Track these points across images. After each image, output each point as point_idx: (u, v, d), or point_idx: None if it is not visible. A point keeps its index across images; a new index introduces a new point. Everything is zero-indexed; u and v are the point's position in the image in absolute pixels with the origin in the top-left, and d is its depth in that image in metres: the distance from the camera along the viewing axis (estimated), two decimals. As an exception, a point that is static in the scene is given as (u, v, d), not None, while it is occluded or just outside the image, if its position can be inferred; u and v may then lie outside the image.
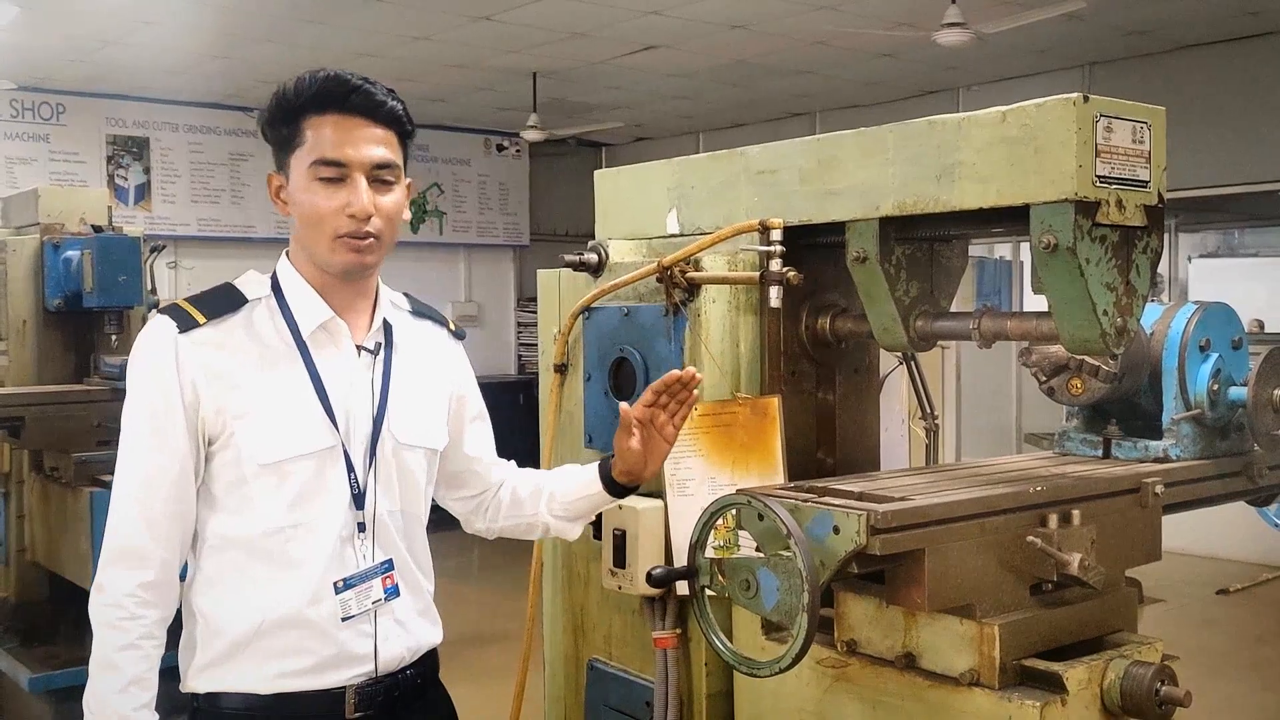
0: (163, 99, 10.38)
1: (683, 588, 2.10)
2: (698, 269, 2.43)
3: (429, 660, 2.17)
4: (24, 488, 5.25)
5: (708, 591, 2.00)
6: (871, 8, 7.60)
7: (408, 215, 2.11)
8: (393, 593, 2.06)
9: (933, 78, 9.69)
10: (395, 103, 2.03)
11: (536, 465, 2.76)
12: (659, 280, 2.44)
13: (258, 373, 1.99)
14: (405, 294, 2.25)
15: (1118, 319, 1.99)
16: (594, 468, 2.27)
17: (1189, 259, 14.76)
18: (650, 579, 2.06)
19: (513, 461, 2.40)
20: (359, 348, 2.08)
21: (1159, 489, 2.22)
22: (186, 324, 1.97)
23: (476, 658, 6.04)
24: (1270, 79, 8.41)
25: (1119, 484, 2.22)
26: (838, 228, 2.31)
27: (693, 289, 2.43)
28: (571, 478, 2.31)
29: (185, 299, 2.03)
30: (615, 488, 2.25)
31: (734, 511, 1.96)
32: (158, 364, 1.96)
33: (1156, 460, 2.39)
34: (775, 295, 2.35)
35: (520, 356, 12.76)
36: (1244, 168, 8.68)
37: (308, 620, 1.99)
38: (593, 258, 2.64)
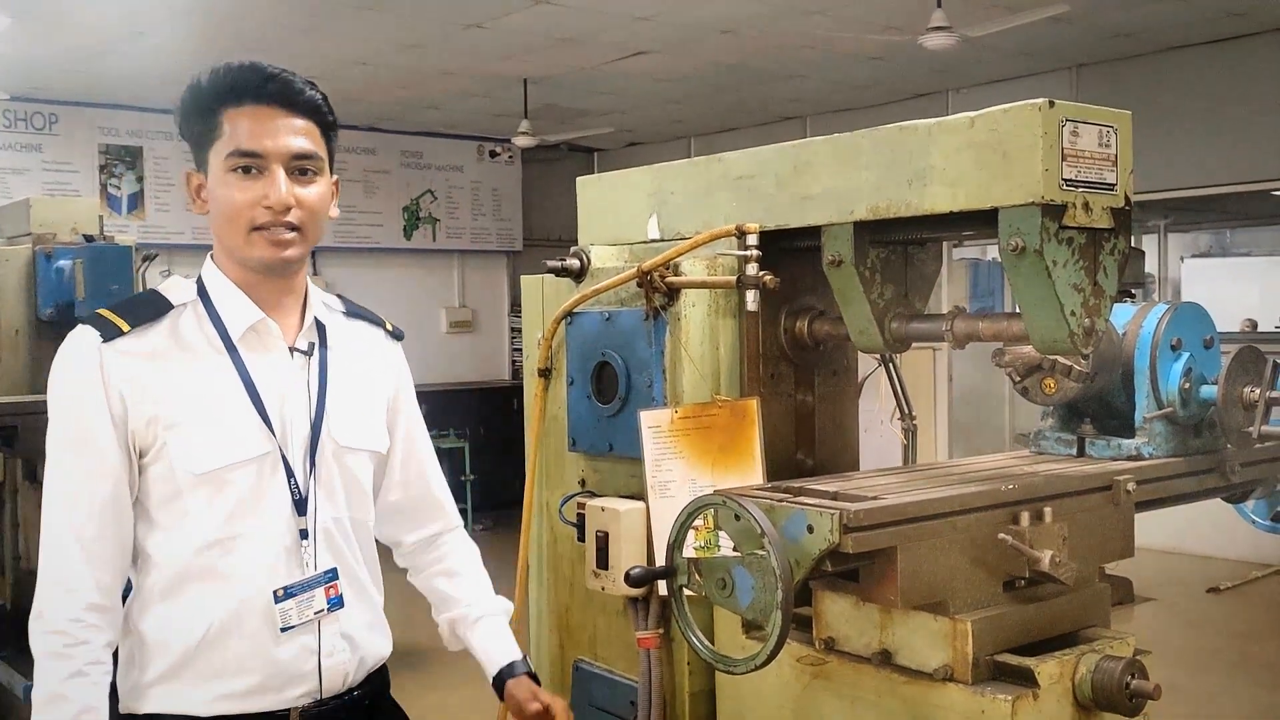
0: (156, 108, 10.40)
1: (663, 588, 2.14)
2: (677, 274, 2.47)
3: (378, 677, 2.09)
4: (18, 496, 5.29)
5: (686, 591, 2.04)
6: (859, 12, 7.64)
7: (335, 212, 2.03)
8: (336, 603, 1.97)
9: (922, 81, 9.73)
10: (315, 93, 1.96)
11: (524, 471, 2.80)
12: (639, 285, 2.48)
13: (187, 380, 1.90)
14: (339, 295, 2.18)
15: (1085, 320, 2.03)
16: (496, 663, 2.17)
17: (1181, 259, 14.81)
18: (629, 579, 2.09)
19: (451, 525, 2.29)
20: (292, 349, 2.00)
21: (1131, 486, 2.26)
22: (110, 333, 1.87)
23: (470, 660, 6.04)
24: (1257, 79, 8.45)
25: (1091, 482, 2.26)
26: (814, 232, 2.34)
27: (672, 293, 2.46)
28: (482, 635, 2.21)
29: (107, 307, 1.94)
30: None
31: (712, 512, 2.00)
32: (82, 377, 1.86)
33: (1129, 458, 2.43)
34: (752, 299, 2.39)
35: (514, 362, 12.78)
36: (1234, 167, 8.72)
37: (247, 636, 1.90)
38: (575, 263, 2.67)
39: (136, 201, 10.49)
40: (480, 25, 7.94)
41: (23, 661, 4.99)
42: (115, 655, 1.91)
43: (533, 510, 2.82)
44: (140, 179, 10.50)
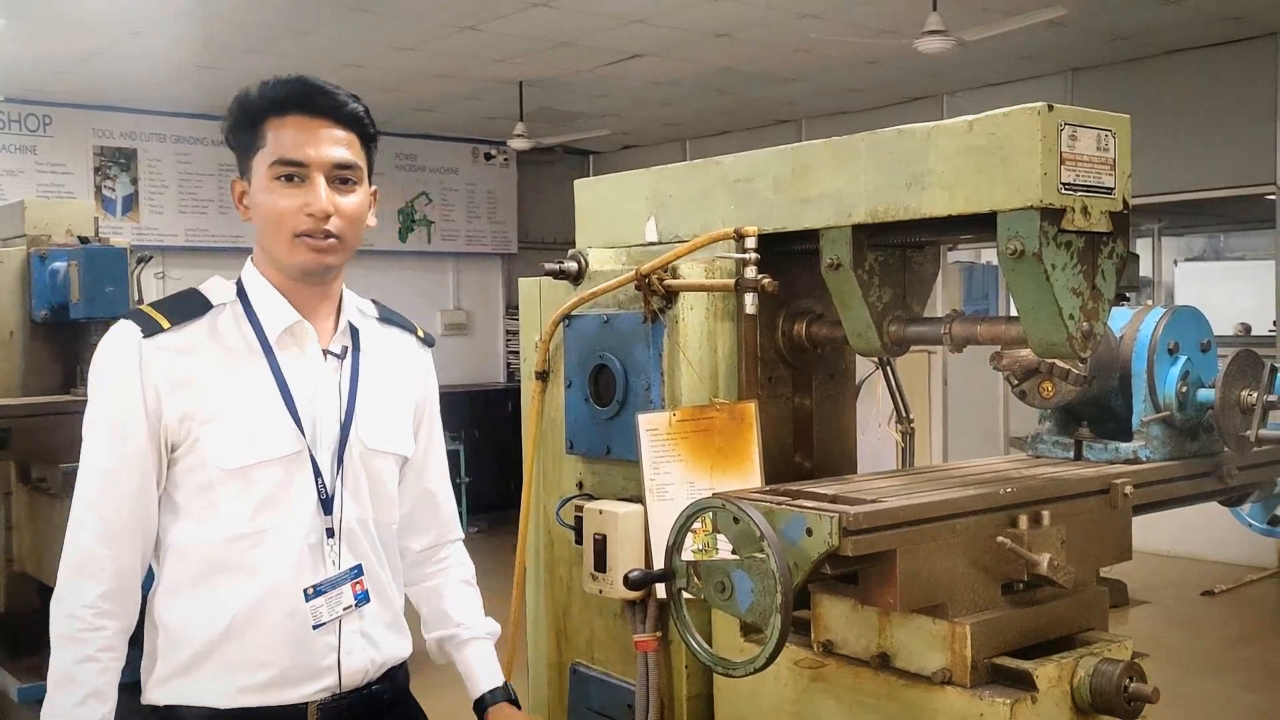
0: (150, 110, 10.40)
1: (661, 591, 2.13)
2: (675, 276, 2.46)
3: (398, 674, 2.14)
4: (12, 499, 5.28)
5: (684, 594, 2.03)
6: (854, 15, 7.65)
7: (373, 221, 2.10)
8: (363, 598, 2.03)
9: (917, 84, 9.75)
10: (357, 105, 2.03)
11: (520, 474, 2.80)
12: (637, 288, 2.47)
13: (223, 377, 1.96)
14: (373, 301, 2.23)
15: (1084, 323, 2.03)
16: (480, 688, 2.26)
17: (1174, 263, 14.86)
18: (627, 582, 2.08)
19: (452, 537, 2.36)
20: (325, 351, 2.05)
21: (1128, 490, 2.26)
22: (150, 329, 1.93)
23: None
24: (1251, 84, 8.47)
25: (1088, 485, 2.26)
26: (812, 235, 2.34)
27: (670, 296, 2.46)
28: (469, 658, 2.28)
29: (149, 304, 2.01)
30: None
31: (711, 515, 1.99)
32: (120, 370, 1.92)
33: (1126, 461, 2.43)
34: (750, 302, 2.38)
35: (509, 365, 12.79)
36: (1229, 171, 8.74)
37: (270, 629, 1.95)
38: (572, 266, 2.67)
39: (131, 203, 10.48)
40: (474, 28, 7.94)
41: (15, 664, 4.99)
42: (132, 642, 1.97)
43: (530, 513, 2.81)
44: (134, 181, 10.49)
